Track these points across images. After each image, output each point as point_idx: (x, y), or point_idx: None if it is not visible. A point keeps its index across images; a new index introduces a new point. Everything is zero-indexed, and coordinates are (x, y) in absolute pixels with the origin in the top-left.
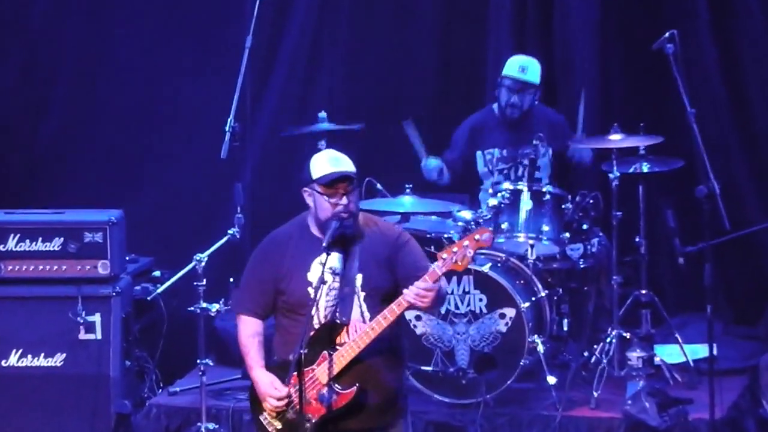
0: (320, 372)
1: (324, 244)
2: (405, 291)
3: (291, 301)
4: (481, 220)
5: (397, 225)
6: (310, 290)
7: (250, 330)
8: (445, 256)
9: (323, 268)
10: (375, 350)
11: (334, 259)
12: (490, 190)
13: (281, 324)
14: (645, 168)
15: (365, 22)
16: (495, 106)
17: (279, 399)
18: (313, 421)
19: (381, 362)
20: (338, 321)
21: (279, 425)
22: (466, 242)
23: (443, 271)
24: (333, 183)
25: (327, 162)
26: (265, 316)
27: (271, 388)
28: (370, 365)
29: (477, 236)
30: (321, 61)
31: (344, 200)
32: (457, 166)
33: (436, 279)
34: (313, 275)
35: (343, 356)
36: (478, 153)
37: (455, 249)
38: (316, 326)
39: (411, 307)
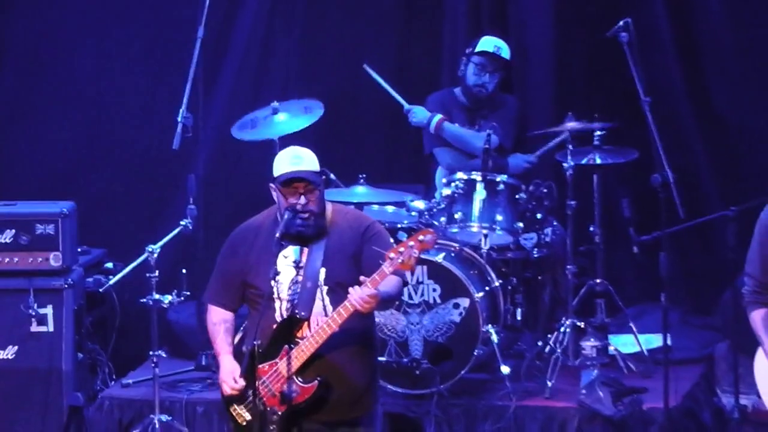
0: (283, 366)
1: (277, 235)
2: (349, 292)
3: (259, 294)
4: (435, 209)
5: (368, 217)
6: (275, 284)
7: (215, 318)
8: (392, 255)
9: (275, 261)
10: (341, 343)
11: (290, 252)
12: (444, 180)
13: (251, 313)
14: (598, 160)
15: (320, 9)
16: (457, 90)
17: (233, 389)
18: (279, 413)
19: (348, 355)
20: (297, 315)
21: (248, 416)
22: (411, 242)
23: (390, 271)
24: (290, 183)
25: (288, 161)
26: (234, 307)
27: (229, 376)
28: (335, 358)
29: (421, 237)
30: (275, 50)
31: (302, 200)
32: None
33: (383, 278)
34: (278, 270)
35: (303, 351)
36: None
37: (401, 249)
38: (279, 320)
39: (357, 311)
